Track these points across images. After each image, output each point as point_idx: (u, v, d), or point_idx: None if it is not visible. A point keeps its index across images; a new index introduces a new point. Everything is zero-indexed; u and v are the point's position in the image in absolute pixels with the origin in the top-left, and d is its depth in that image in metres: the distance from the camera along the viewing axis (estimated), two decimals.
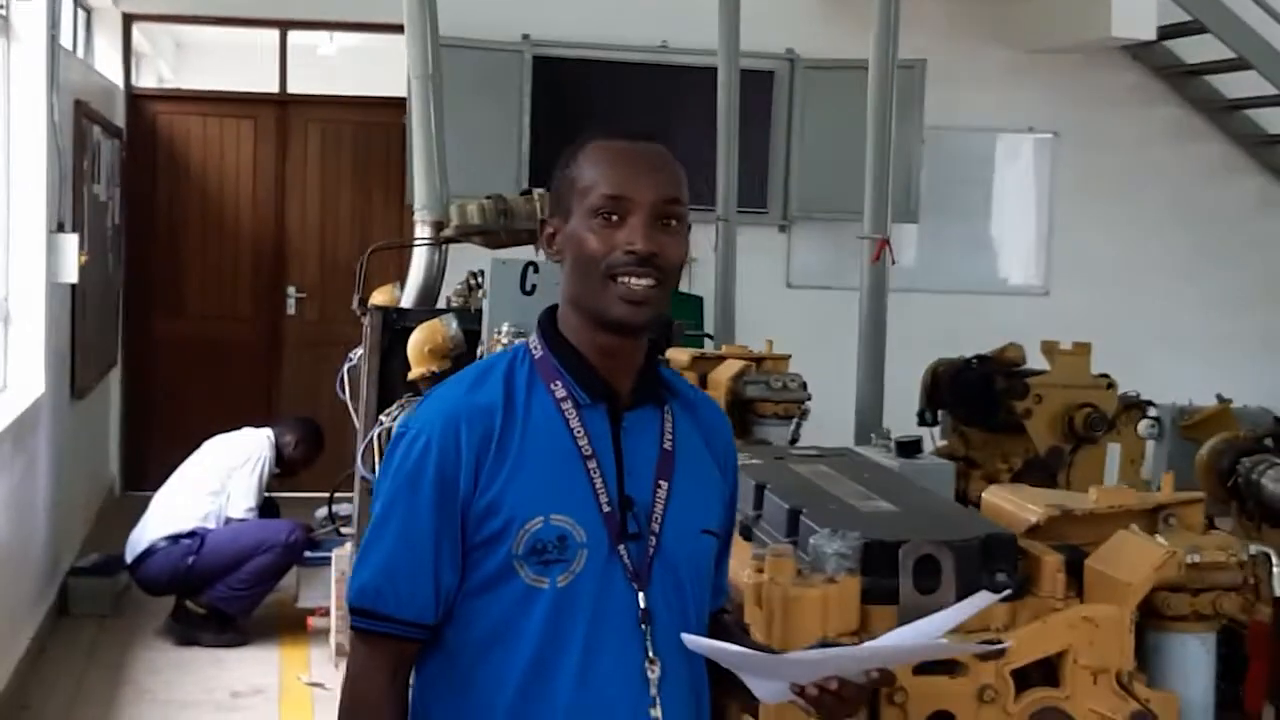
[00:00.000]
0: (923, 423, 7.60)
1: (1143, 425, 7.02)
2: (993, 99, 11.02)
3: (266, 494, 7.75)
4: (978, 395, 7.40)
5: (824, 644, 2.48)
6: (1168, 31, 10.47)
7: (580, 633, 2.27)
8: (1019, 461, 7.22)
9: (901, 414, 7.36)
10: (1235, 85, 10.92)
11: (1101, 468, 7.09)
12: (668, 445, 2.39)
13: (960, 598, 3.00)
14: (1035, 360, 7.42)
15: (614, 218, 2.29)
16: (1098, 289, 10.97)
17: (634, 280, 2.28)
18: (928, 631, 2.37)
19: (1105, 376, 7.20)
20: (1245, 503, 5.02)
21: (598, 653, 2.28)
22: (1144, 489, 4.43)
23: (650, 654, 2.30)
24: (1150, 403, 7.31)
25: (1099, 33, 10.19)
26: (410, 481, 2.29)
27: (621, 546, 2.30)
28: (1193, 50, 10.82)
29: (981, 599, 2.42)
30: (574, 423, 2.33)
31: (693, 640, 2.29)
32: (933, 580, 2.97)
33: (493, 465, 2.28)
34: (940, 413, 7.66)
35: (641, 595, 2.30)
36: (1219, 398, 7.11)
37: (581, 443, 2.32)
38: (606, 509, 2.30)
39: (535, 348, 2.39)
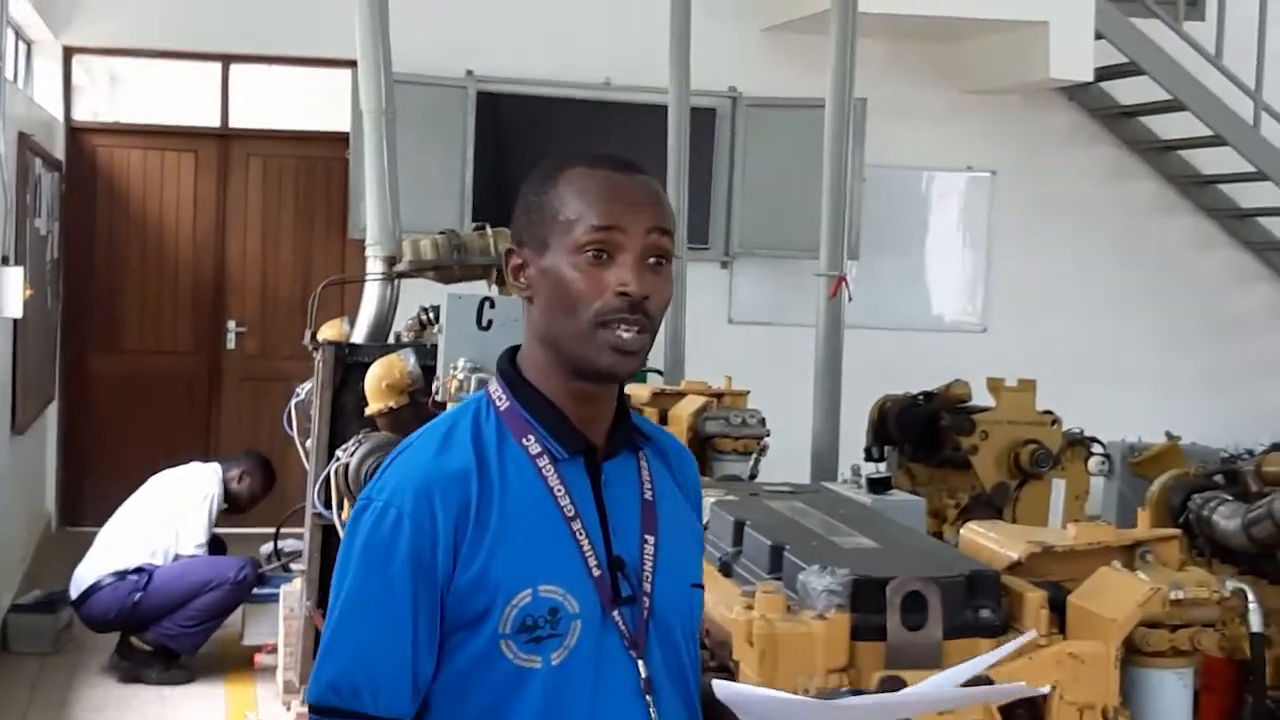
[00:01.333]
0: (869, 458, 7.63)
1: (1093, 462, 7.11)
2: (932, 138, 11.15)
3: (214, 530, 7.68)
4: (924, 431, 7.46)
5: (855, 692, 2.44)
6: (1104, 73, 10.64)
7: (582, 714, 2.07)
8: (965, 497, 7.28)
9: (847, 449, 7.41)
10: (1170, 126, 11.10)
11: (1047, 504, 7.16)
12: (648, 495, 2.20)
13: (947, 634, 3.03)
14: (980, 397, 7.50)
15: (603, 255, 2.08)
16: (1035, 326, 11.10)
17: (624, 329, 2.07)
18: (968, 675, 2.29)
19: (1050, 413, 7.29)
20: (1196, 539, 5.07)
21: None
22: None
23: None
24: (1094, 439, 7.40)
25: (1037, 74, 10.34)
26: (382, 561, 2.06)
27: (615, 612, 2.11)
28: (1129, 92, 11.00)
29: (1024, 638, 2.41)
30: (553, 480, 2.12)
31: (725, 687, 2.16)
32: (920, 616, 3.00)
33: (473, 538, 2.06)
34: (887, 449, 7.71)
35: (641, 663, 2.11)
36: (1168, 435, 7.21)
37: (563, 502, 2.12)
38: (597, 572, 2.11)
39: (499, 398, 2.18)
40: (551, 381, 2.15)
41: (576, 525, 2.11)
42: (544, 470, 2.13)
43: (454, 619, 2.07)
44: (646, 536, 2.17)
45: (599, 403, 2.17)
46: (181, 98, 10.60)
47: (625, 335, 2.08)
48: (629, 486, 2.20)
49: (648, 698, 2.11)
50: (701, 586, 2.29)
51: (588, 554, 2.11)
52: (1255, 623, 3.53)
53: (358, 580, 2.08)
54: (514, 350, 2.22)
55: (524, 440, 2.14)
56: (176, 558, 7.38)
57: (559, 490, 2.12)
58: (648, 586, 2.15)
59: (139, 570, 7.28)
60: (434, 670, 2.08)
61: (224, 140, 10.58)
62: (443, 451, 2.12)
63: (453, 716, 2.10)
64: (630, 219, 2.10)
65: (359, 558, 2.08)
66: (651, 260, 2.11)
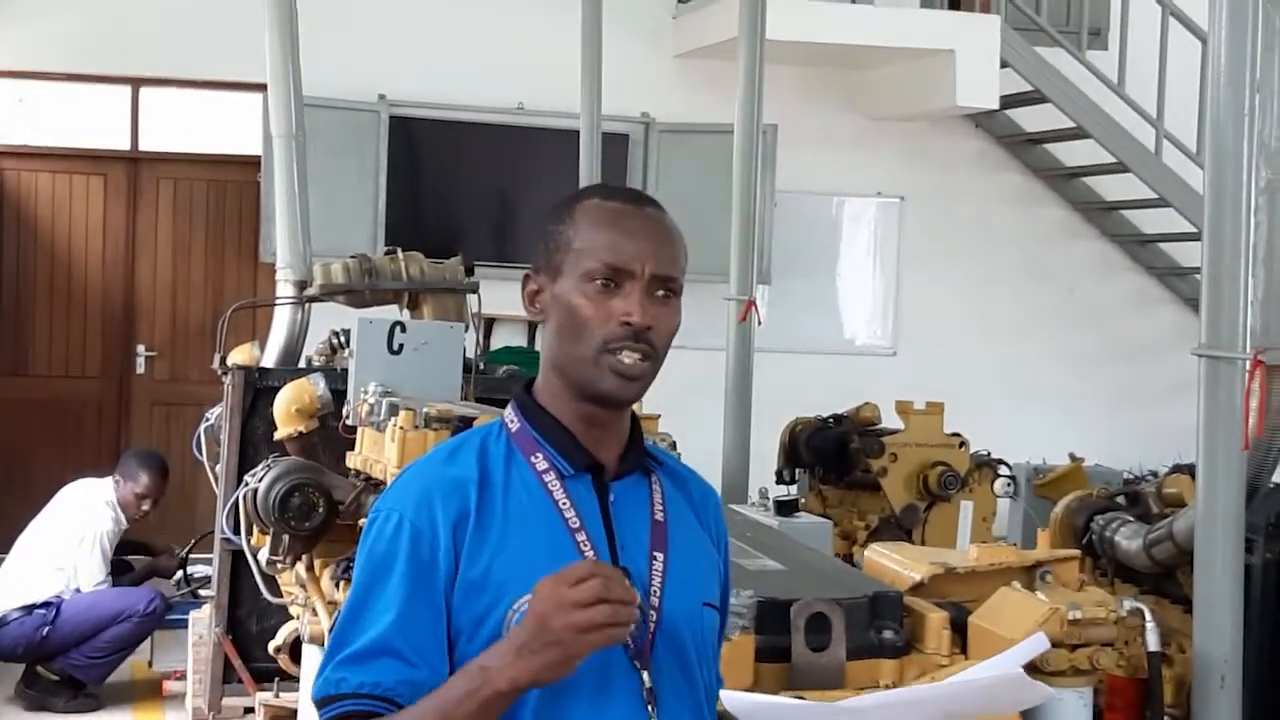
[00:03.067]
0: (780, 481, 7.69)
1: (999, 484, 7.21)
2: (842, 164, 11.24)
3: (135, 541, 7.59)
4: (835, 454, 7.54)
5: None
6: (1009, 101, 10.78)
7: (583, 717, 2.11)
8: (875, 519, 7.36)
9: (758, 472, 7.47)
10: (1074, 153, 11.27)
11: (954, 525, 7.26)
12: (659, 516, 2.26)
13: (850, 655, 3.07)
14: (890, 419, 7.58)
15: (611, 285, 2.18)
16: (944, 349, 11.20)
17: (627, 355, 2.16)
18: (985, 672, 2.30)
19: (957, 435, 7.38)
20: (1099, 559, 5.15)
21: None
22: None
23: None
24: (1001, 461, 7.51)
25: (944, 102, 10.47)
26: (385, 564, 2.14)
27: None
28: (1033, 119, 11.15)
29: (1038, 641, 2.39)
30: (558, 494, 2.19)
31: (734, 697, 2.18)
32: (824, 637, 3.04)
33: (473, 542, 2.14)
34: (798, 471, 7.78)
35: (645, 674, 2.15)
36: (1071, 457, 7.32)
37: (568, 515, 2.18)
38: None
39: (511, 421, 2.26)
40: (561, 405, 2.24)
41: (581, 537, 2.17)
42: (550, 485, 2.20)
43: (458, 619, 2.13)
44: (655, 554, 2.22)
45: (608, 427, 2.25)
46: (91, 121, 10.50)
47: (628, 361, 2.17)
48: (639, 506, 2.26)
49: (650, 708, 2.14)
50: (716, 608, 2.31)
51: None
52: (1153, 642, 3.60)
53: (362, 584, 2.16)
54: (531, 380, 2.31)
55: (532, 458, 2.22)
56: (78, 591, 7.29)
57: (564, 503, 2.19)
58: (655, 601, 2.18)
59: (46, 605, 7.19)
60: (447, 671, 2.11)
61: (134, 163, 10.48)
62: (447, 463, 2.22)
63: None
64: (639, 254, 2.19)
65: (364, 564, 2.17)
66: (659, 293, 2.20)
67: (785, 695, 2.65)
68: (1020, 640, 3.03)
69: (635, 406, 2.29)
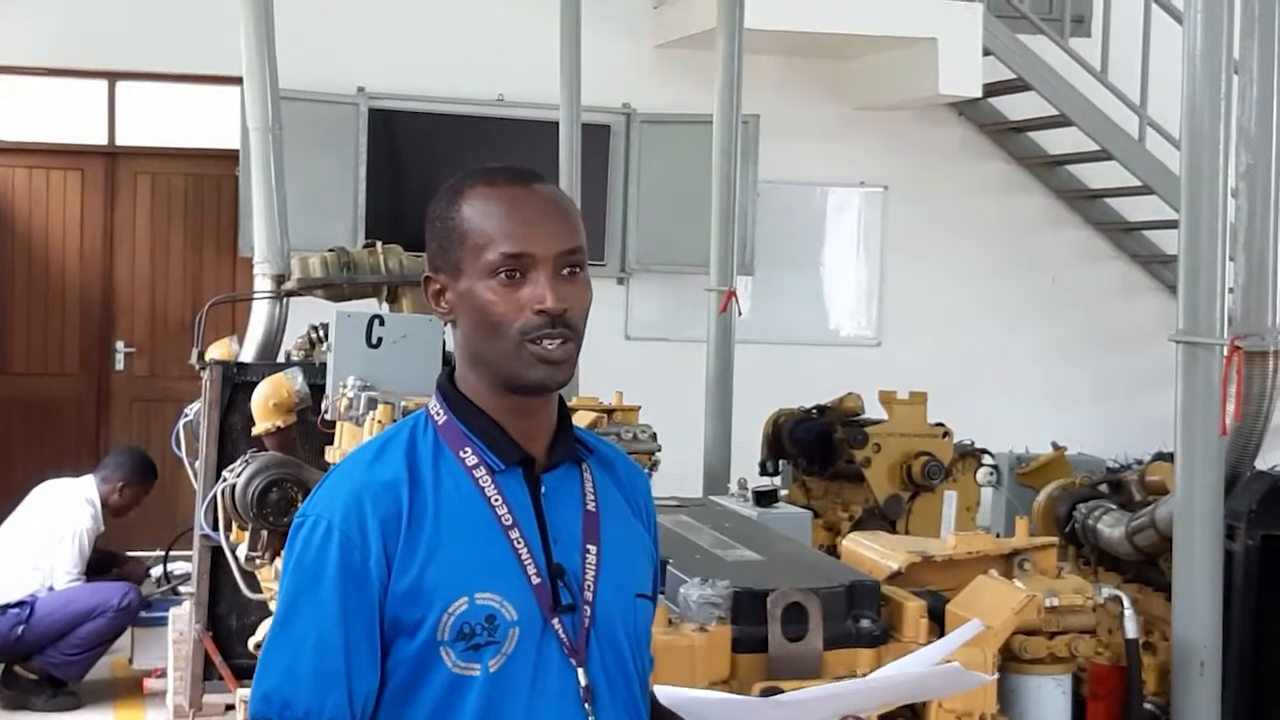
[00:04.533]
0: (764, 472, 7.67)
1: (981, 473, 7.19)
2: (824, 153, 11.21)
3: (101, 550, 7.54)
4: (818, 445, 7.51)
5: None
6: (993, 89, 10.75)
7: (519, 718, 2.09)
8: (859, 510, 7.33)
9: (741, 463, 7.44)
10: (1057, 141, 11.25)
11: (938, 515, 7.23)
12: (591, 506, 2.22)
13: (827, 645, 3.05)
14: (874, 410, 7.56)
15: (516, 274, 2.12)
16: (929, 339, 11.18)
17: (548, 341, 2.11)
18: (919, 664, 2.27)
19: (941, 425, 7.36)
20: (1082, 548, 5.13)
21: None
22: None
23: None
24: (985, 450, 7.49)
25: (927, 90, 10.43)
26: (313, 573, 2.08)
27: (555, 620, 2.12)
28: (1017, 107, 11.12)
29: (972, 627, 2.34)
30: (490, 491, 2.14)
31: (669, 692, 2.16)
32: (800, 627, 3.01)
33: (405, 546, 2.08)
34: (782, 462, 7.75)
35: (580, 671, 2.12)
36: (1054, 445, 7.30)
37: (500, 512, 2.14)
38: (536, 581, 2.12)
39: (437, 413, 2.21)
40: (486, 398, 2.18)
41: (515, 534, 2.13)
42: (480, 481, 2.15)
43: (393, 628, 2.09)
44: (589, 546, 2.18)
45: (536, 416, 2.19)
46: (67, 115, 10.44)
47: (550, 347, 2.12)
48: (571, 497, 2.21)
49: (586, 705, 2.12)
50: (649, 597, 2.29)
51: (526, 562, 2.12)
52: (1131, 629, 3.58)
53: (290, 595, 2.10)
54: (453, 368, 2.24)
55: (461, 453, 2.16)
56: (52, 589, 7.24)
57: (496, 500, 2.14)
58: (589, 595, 2.16)
59: (20, 604, 7.14)
60: (379, 681, 2.09)
61: (111, 158, 10.42)
62: (374, 463, 2.15)
63: None
64: (538, 237, 2.13)
65: (292, 574, 2.10)
66: (565, 271, 2.14)
67: (717, 690, 2.60)
68: (997, 626, 3.01)
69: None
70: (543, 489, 2.18)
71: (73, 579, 7.27)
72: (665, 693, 2.17)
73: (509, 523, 2.13)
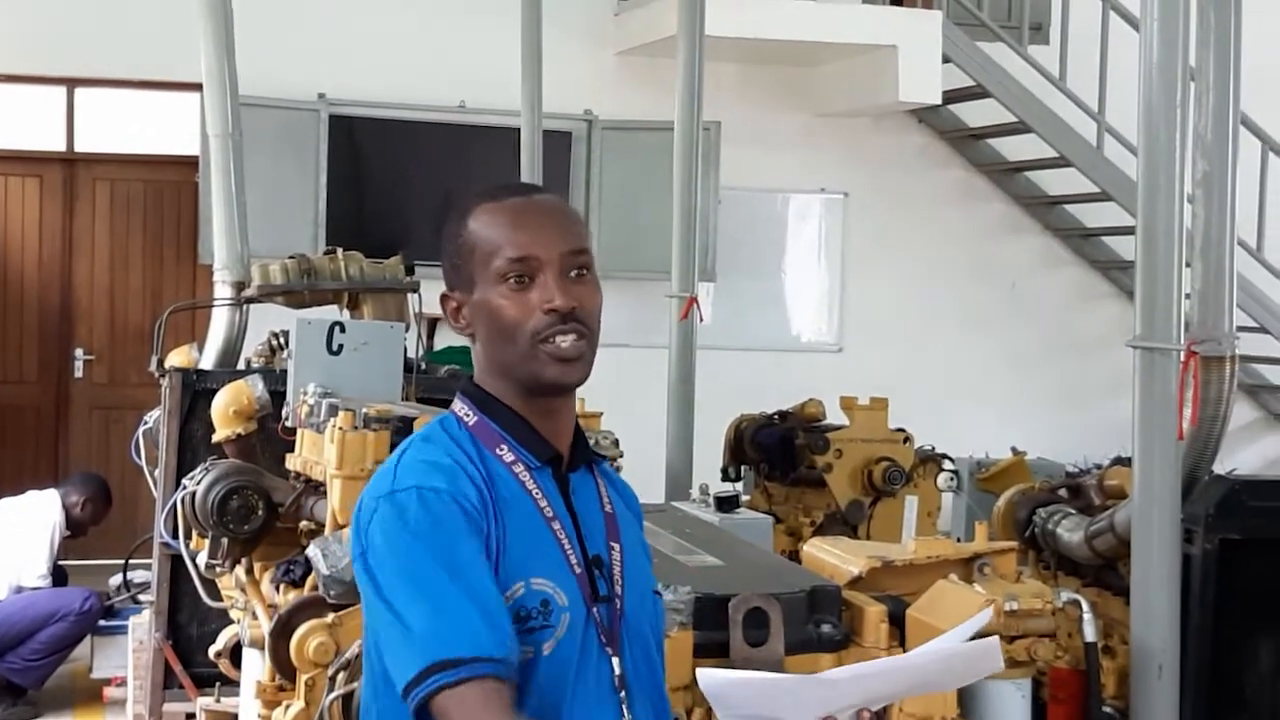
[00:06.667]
0: (726, 478, 7.67)
1: (942, 478, 7.21)
2: (785, 160, 11.24)
3: (57, 561, 7.51)
4: (780, 450, 7.51)
5: None
6: (952, 96, 10.80)
7: (564, 703, 2.14)
8: (820, 515, 7.34)
9: (703, 469, 7.45)
10: (1016, 148, 11.31)
11: (900, 520, 7.25)
12: (608, 508, 2.31)
13: (789, 650, 3.05)
14: (835, 415, 7.58)
15: (524, 279, 2.19)
16: (890, 345, 11.23)
17: (561, 339, 2.17)
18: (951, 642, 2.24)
19: (902, 431, 7.38)
20: (1042, 552, 5.16)
21: None
22: None
23: None
24: (946, 456, 7.51)
25: (887, 97, 10.48)
26: (442, 530, 2.08)
27: (595, 609, 2.19)
28: (976, 114, 11.18)
29: (982, 618, 2.33)
30: (530, 485, 2.21)
31: (710, 675, 2.13)
32: (762, 632, 3.02)
33: (491, 519, 2.14)
34: (744, 468, 7.76)
35: (616, 660, 2.19)
36: (1013, 450, 7.33)
37: (542, 504, 2.21)
38: (578, 570, 2.19)
39: (466, 415, 2.27)
40: (513, 401, 2.25)
41: (556, 525, 2.21)
42: (520, 475, 2.22)
43: None
44: (612, 544, 2.27)
45: (559, 416, 2.27)
46: (26, 121, 10.39)
47: (564, 344, 2.18)
48: (591, 497, 2.30)
49: (621, 694, 2.18)
50: (660, 595, 2.40)
51: (569, 552, 2.20)
52: (1090, 633, 3.61)
53: (415, 555, 2.06)
54: (470, 378, 2.31)
55: (497, 450, 2.23)
56: (19, 590, 7.22)
57: (537, 493, 2.22)
58: (619, 589, 2.24)
59: None
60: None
61: (70, 165, 10.37)
62: (435, 450, 2.20)
63: None
64: (541, 240, 2.20)
65: (408, 539, 2.07)
66: (573, 273, 2.21)
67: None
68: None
69: (578, 405, 2.30)
70: (570, 487, 2.27)
71: (42, 575, 7.24)
72: (707, 675, 2.15)
73: (550, 515, 2.21)
